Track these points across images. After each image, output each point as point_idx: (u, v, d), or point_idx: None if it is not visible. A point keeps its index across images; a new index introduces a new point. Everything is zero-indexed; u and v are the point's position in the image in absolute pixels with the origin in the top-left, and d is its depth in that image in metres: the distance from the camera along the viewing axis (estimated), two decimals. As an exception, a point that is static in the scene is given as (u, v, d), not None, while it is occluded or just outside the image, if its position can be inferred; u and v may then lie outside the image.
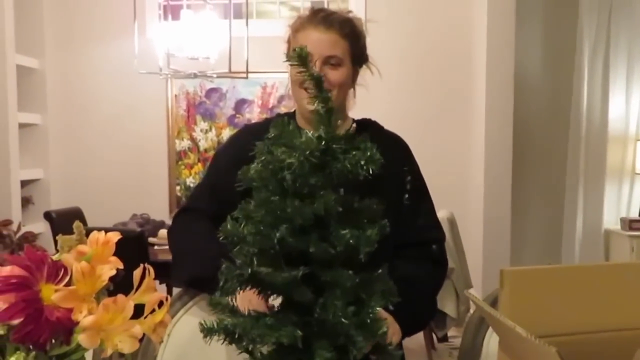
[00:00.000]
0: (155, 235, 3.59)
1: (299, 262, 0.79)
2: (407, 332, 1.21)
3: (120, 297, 0.60)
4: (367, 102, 1.44)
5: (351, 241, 0.78)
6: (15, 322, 0.57)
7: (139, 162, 4.61)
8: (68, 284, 0.61)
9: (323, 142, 0.79)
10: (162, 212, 4.43)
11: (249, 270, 0.79)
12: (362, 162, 0.79)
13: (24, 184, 4.49)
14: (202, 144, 4.53)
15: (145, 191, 4.56)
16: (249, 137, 1.28)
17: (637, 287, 0.88)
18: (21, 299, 0.57)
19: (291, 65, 0.84)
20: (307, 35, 1.25)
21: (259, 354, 0.83)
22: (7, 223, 3.88)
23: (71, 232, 0.70)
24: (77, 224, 0.63)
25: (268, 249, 0.78)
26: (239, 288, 0.82)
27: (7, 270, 0.59)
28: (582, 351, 0.82)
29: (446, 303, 3.26)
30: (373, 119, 1.41)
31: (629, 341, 0.80)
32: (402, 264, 1.20)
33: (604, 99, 4.48)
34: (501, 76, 4.04)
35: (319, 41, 1.23)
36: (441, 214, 3.29)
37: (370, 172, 0.80)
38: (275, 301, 0.86)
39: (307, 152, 0.77)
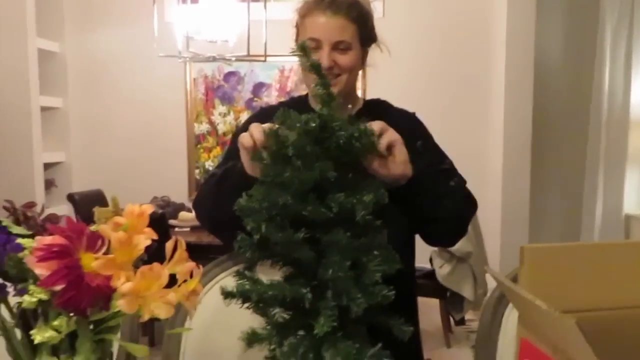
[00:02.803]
0: (175, 217, 3.64)
1: (303, 227, 0.89)
2: (417, 172, 1.09)
3: (156, 265, 0.63)
4: (384, 87, 1.46)
5: (347, 204, 0.87)
6: (58, 288, 0.60)
7: (158, 145, 4.66)
8: (105, 254, 0.64)
9: (322, 120, 0.90)
10: (181, 195, 4.49)
11: (259, 235, 0.88)
12: (356, 135, 0.90)
13: (47, 167, 4.57)
14: (221, 128, 4.57)
15: (164, 174, 4.62)
16: (265, 119, 1.31)
17: (658, 265, 0.89)
18: (63, 266, 0.60)
19: (296, 55, 0.98)
20: (314, 20, 1.25)
21: (273, 317, 0.92)
22: (31, 205, 3.95)
23: (93, 214, 0.73)
24: (113, 198, 0.66)
25: (275, 215, 0.87)
26: (249, 252, 0.92)
27: (49, 239, 0.62)
28: (601, 328, 0.84)
29: (463, 286, 3.28)
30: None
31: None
32: None
33: (626, 83, 4.42)
34: (521, 60, 4.01)
35: (327, 27, 1.23)
36: (459, 197, 3.30)
37: (363, 146, 0.92)
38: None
39: (305, 127, 0.89)
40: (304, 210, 0.89)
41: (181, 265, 0.68)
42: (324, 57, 1.22)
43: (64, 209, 4.54)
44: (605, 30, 4.39)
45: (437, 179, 1.15)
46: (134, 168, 4.68)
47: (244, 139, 1.00)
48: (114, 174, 4.68)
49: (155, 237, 0.67)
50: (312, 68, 0.94)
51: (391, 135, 1.01)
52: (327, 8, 1.23)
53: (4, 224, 0.65)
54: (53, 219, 4.25)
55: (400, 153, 1.02)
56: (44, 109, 4.44)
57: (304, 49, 0.96)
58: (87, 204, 3.73)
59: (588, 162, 4.49)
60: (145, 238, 0.64)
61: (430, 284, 3.28)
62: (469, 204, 1.26)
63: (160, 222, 3.20)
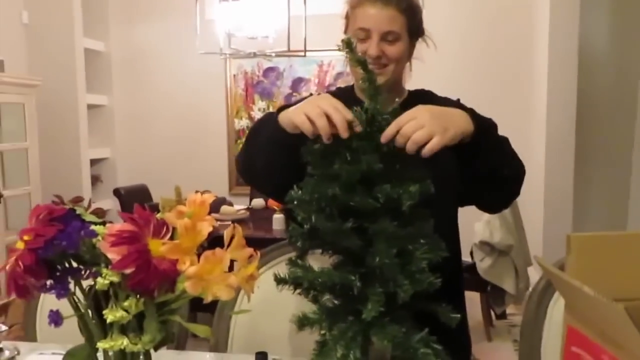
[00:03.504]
0: (217, 211, 3.72)
1: (351, 217, 0.92)
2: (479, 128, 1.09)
3: (218, 250, 0.67)
4: (426, 78, 1.46)
5: (393, 194, 0.90)
6: (128, 271, 0.65)
7: (199, 140, 4.76)
8: (170, 240, 0.69)
9: (368, 114, 0.93)
10: (222, 189, 4.58)
11: (309, 225, 0.92)
12: None
13: (93, 162, 4.72)
14: (260, 123, 4.63)
15: (205, 169, 4.72)
16: None
17: None
18: (133, 250, 0.64)
19: (342, 51, 0.98)
20: (364, 11, 1.26)
21: (324, 303, 0.96)
22: (79, 200, 4.10)
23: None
24: (176, 187, 0.70)
25: (324, 206, 0.91)
26: (300, 241, 0.96)
27: (119, 226, 0.66)
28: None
29: (505, 280, 3.25)
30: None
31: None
32: None
33: (673, 73, 4.28)
34: (565, 50, 3.93)
35: (377, 17, 1.25)
36: (500, 190, 3.27)
37: None
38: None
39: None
40: (352, 201, 0.92)
41: (240, 250, 0.72)
42: (372, 47, 1.24)
43: (109, 204, 4.68)
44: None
45: (497, 135, 1.19)
46: (176, 163, 4.79)
47: (305, 125, 0.99)
48: (157, 169, 4.80)
49: (216, 224, 0.71)
50: (358, 63, 0.97)
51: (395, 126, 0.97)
52: (376, 0, 1.26)
53: (78, 212, 0.70)
54: (99, 213, 4.40)
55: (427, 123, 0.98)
56: (90, 107, 4.59)
57: (349, 45, 0.98)
58: (132, 198, 3.85)
59: (635, 156, 4.37)
60: (207, 225, 0.68)
61: (471, 278, 3.27)
62: (522, 163, 1.29)
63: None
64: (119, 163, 4.96)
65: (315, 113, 0.98)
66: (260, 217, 3.63)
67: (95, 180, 4.82)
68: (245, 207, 3.85)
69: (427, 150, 0.96)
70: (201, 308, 1.73)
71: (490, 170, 1.17)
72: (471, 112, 1.11)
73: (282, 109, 1.15)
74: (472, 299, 3.38)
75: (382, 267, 0.91)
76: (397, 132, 0.95)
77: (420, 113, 0.99)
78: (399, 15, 1.26)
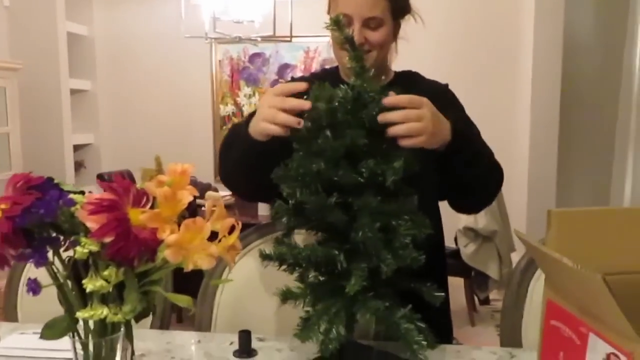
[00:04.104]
0: (202, 197, 3.71)
1: (336, 192, 0.93)
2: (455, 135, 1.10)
3: (199, 218, 0.66)
4: (412, 59, 1.46)
5: (377, 169, 0.91)
6: (108, 239, 0.64)
7: (184, 126, 4.73)
8: (151, 209, 0.68)
9: (355, 92, 0.93)
10: (207, 175, 4.56)
11: (294, 201, 0.93)
12: (388, 107, 0.94)
13: (76, 148, 4.68)
14: (246, 109, 4.61)
15: (190, 155, 4.69)
16: (294, 95, 1.33)
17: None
18: (113, 219, 0.64)
19: (329, 29, 1.00)
20: None
21: (308, 279, 0.97)
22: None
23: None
24: (156, 157, 0.69)
25: (309, 181, 0.92)
26: (285, 217, 0.97)
27: (99, 194, 0.66)
28: (628, 291, 0.85)
29: (489, 265, 3.29)
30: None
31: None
32: None
33: (656, 61, 4.33)
34: (550, 34, 3.95)
35: (358, 2, 1.22)
36: (484, 176, 3.30)
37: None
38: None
39: (341, 100, 0.93)
40: (336, 176, 0.92)
41: (221, 221, 0.72)
42: (355, 34, 1.22)
43: (93, 190, 4.64)
44: (636, 7, 4.30)
45: (474, 140, 1.19)
46: (160, 149, 4.75)
47: (271, 129, 1.02)
48: (141, 155, 4.76)
49: (196, 194, 0.71)
50: (346, 41, 0.97)
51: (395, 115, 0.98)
52: None
53: (56, 181, 0.69)
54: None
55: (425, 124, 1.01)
56: (73, 92, 4.54)
57: (337, 23, 0.98)
58: (117, 184, 3.82)
59: (617, 141, 4.42)
60: (188, 194, 0.68)
61: (455, 263, 3.29)
62: (500, 172, 1.28)
63: (189, 202, 3.26)
64: (102, 149, 4.92)
65: (271, 115, 1.01)
66: (246, 202, 3.62)
67: (78, 166, 4.78)
68: (231, 193, 3.84)
69: (407, 143, 0.98)
70: (183, 292, 1.73)
71: (463, 182, 1.18)
72: (453, 125, 1.10)
73: (250, 117, 1.16)
74: (456, 285, 3.41)
75: (366, 242, 0.91)
76: (397, 109, 0.96)
77: (425, 106, 1.01)
78: (381, 0, 1.24)
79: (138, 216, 0.65)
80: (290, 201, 0.96)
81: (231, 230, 0.72)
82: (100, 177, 3.98)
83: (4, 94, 3.76)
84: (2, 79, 3.73)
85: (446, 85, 1.38)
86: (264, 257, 0.98)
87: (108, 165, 4.78)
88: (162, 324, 1.37)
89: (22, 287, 1.48)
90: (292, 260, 0.96)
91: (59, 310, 0.73)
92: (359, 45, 1.23)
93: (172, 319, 1.51)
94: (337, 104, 0.95)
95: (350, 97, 0.95)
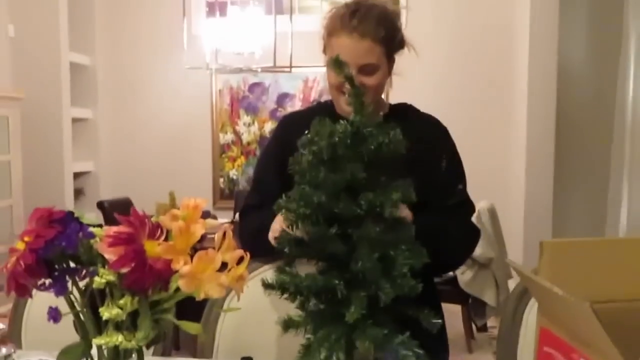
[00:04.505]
0: (202, 224, 3.74)
1: (336, 223, 0.97)
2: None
3: (210, 250, 0.71)
4: (409, 91, 1.51)
5: (375, 201, 0.95)
6: (125, 270, 0.68)
7: (184, 154, 4.78)
8: (165, 242, 0.72)
9: (354, 128, 0.99)
10: (206, 202, 4.59)
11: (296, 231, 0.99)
12: (386, 142, 0.98)
13: (76, 176, 4.71)
14: (245, 138, 4.67)
15: (190, 183, 4.73)
16: (291, 127, 1.39)
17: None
18: (130, 250, 0.68)
19: (329, 70, 1.05)
20: (341, 42, 1.25)
21: (309, 307, 1.01)
22: (63, 212, 4.07)
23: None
24: (170, 192, 0.74)
25: (310, 213, 0.96)
26: (287, 247, 1.02)
27: (117, 227, 0.70)
28: (618, 319, 0.88)
29: (486, 292, 3.31)
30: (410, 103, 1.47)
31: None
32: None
33: (650, 88, 4.41)
34: (544, 64, 4.04)
35: (354, 50, 1.24)
36: (482, 204, 3.34)
37: (392, 150, 0.98)
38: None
39: (340, 135, 0.98)
40: (336, 208, 0.97)
41: (230, 252, 0.76)
42: None
43: (92, 217, 4.67)
44: (629, 35, 4.39)
45: (436, 230, 1.20)
46: (160, 176, 4.80)
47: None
48: (141, 183, 4.81)
49: (207, 227, 0.75)
50: (346, 80, 1.01)
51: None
52: (353, 30, 1.24)
53: (76, 214, 0.73)
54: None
55: None
56: (74, 120, 4.59)
57: (338, 63, 1.03)
58: (116, 212, 3.85)
59: (612, 167, 4.48)
60: (200, 227, 0.72)
61: (452, 290, 3.32)
62: (468, 243, 1.35)
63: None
64: (102, 176, 4.96)
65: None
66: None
67: (78, 193, 4.81)
68: (230, 220, 3.88)
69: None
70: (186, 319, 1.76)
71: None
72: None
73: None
74: (454, 312, 3.43)
75: (365, 271, 0.95)
76: None
77: None
78: (376, 46, 1.25)
79: (153, 248, 0.69)
80: (292, 231, 1.00)
81: (239, 260, 0.77)
82: (100, 204, 4.01)
83: (6, 122, 3.82)
84: (5, 108, 3.79)
85: (438, 121, 1.43)
86: (266, 285, 1.01)
87: (107, 193, 4.81)
88: (164, 351, 1.39)
89: (27, 315, 1.51)
90: (293, 289, 1.00)
91: (62, 338, 0.77)
92: None
93: (172, 344, 1.53)
94: (337, 139, 1.00)
95: (349, 133, 0.99)
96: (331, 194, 0.98)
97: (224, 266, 0.77)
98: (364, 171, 0.98)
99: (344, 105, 1.32)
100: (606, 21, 4.52)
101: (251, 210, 1.45)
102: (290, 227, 1.00)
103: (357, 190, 0.99)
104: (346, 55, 1.25)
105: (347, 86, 1.23)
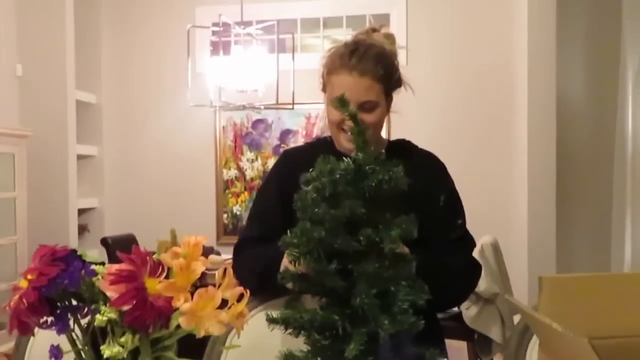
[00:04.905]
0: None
1: (338, 259, 0.98)
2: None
3: (211, 288, 0.72)
4: (409, 129, 1.54)
5: (374, 237, 0.96)
6: (126, 308, 0.69)
7: (188, 190, 4.80)
8: (165, 279, 0.73)
9: (357, 166, 1.01)
10: (210, 238, 4.58)
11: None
12: (386, 178, 1.00)
13: (81, 212, 4.73)
14: (249, 173, 4.70)
15: (194, 218, 4.74)
16: (290, 165, 1.41)
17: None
18: (131, 288, 0.69)
19: (329, 107, 1.08)
20: (341, 79, 1.29)
21: (313, 342, 1.01)
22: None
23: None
24: (172, 230, 0.75)
25: (311, 248, 0.97)
26: (290, 282, 1.03)
27: (119, 265, 0.71)
28: (618, 354, 0.88)
29: (491, 328, 3.27)
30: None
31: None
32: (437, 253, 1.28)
33: (649, 122, 4.45)
34: (543, 101, 4.08)
35: (353, 88, 1.27)
36: (484, 239, 3.33)
37: (393, 187, 1.00)
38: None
39: (342, 172, 1.00)
40: (336, 244, 0.98)
41: (230, 290, 0.77)
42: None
43: (96, 254, 4.66)
44: (626, 71, 4.45)
45: (437, 269, 1.21)
46: (164, 213, 4.82)
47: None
48: (145, 219, 4.81)
49: (208, 264, 0.76)
50: (350, 117, 1.04)
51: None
52: (353, 68, 1.28)
53: (79, 252, 0.74)
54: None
55: None
56: (79, 157, 4.64)
57: (342, 102, 1.06)
58: (120, 248, 3.84)
59: (614, 203, 4.48)
60: (201, 264, 0.73)
61: (458, 326, 3.28)
62: (471, 278, 1.35)
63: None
64: (106, 213, 4.97)
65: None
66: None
67: (82, 229, 4.82)
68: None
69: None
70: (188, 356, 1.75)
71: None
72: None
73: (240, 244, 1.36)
74: (459, 348, 3.39)
75: (364, 307, 0.96)
76: None
77: None
78: (376, 84, 1.29)
79: (155, 286, 0.70)
80: (294, 267, 1.01)
81: (240, 297, 0.77)
82: (103, 241, 4.02)
83: (12, 160, 3.86)
84: (11, 146, 3.83)
85: (435, 156, 1.45)
86: (270, 320, 1.02)
87: (111, 229, 4.82)
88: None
89: (29, 353, 1.51)
90: (295, 324, 1.01)
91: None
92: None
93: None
94: (338, 176, 1.02)
95: (351, 170, 1.01)
96: (331, 229, 0.99)
97: (224, 303, 0.77)
98: (365, 207, 0.99)
99: (344, 142, 1.34)
100: (603, 57, 4.59)
101: (247, 245, 1.45)
102: (293, 262, 1.01)
103: (357, 226, 1.00)
104: (346, 93, 1.28)
105: (349, 123, 1.26)
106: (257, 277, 1.29)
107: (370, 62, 1.29)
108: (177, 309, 0.70)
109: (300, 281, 1.03)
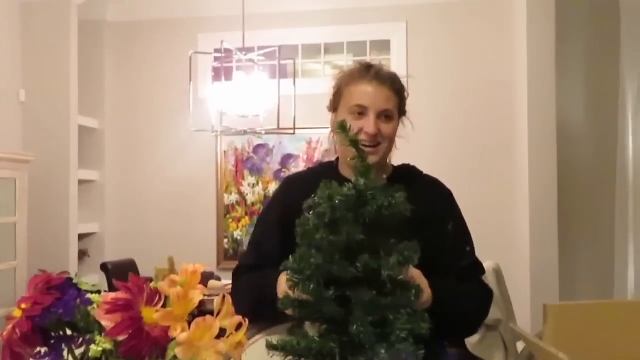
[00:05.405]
0: (205, 285, 3.70)
1: (337, 286, 0.97)
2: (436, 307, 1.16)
3: (208, 317, 0.70)
4: (411, 154, 1.53)
5: (372, 264, 0.95)
6: (121, 338, 0.67)
7: (189, 215, 4.79)
8: (163, 307, 0.72)
9: (357, 191, 1.00)
10: (210, 264, 4.56)
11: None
12: (386, 204, 0.99)
13: (81, 237, 4.71)
14: (250, 198, 4.69)
15: (194, 243, 4.71)
16: (292, 192, 1.41)
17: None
18: (127, 317, 0.67)
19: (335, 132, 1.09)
20: (360, 89, 1.33)
21: None
22: (64, 275, 4.05)
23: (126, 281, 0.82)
24: (170, 258, 0.74)
25: (309, 274, 0.97)
26: (290, 309, 1.02)
27: (115, 294, 0.70)
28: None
29: (495, 355, 3.23)
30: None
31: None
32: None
33: (650, 145, 4.43)
34: (544, 126, 4.08)
35: (374, 95, 1.32)
36: (487, 264, 3.29)
37: (394, 213, 0.99)
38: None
39: (341, 198, 1.00)
40: (333, 270, 0.97)
41: (229, 319, 0.75)
42: (370, 124, 1.30)
43: (95, 279, 4.63)
44: (626, 93, 4.45)
45: (455, 297, 1.23)
46: (164, 238, 4.79)
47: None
48: (146, 244, 4.79)
49: (206, 292, 0.75)
50: (351, 143, 1.04)
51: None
52: (373, 78, 1.33)
53: (75, 281, 0.73)
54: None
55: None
56: (81, 182, 4.63)
57: (344, 127, 1.06)
58: (120, 273, 3.83)
59: (617, 227, 4.45)
60: (199, 293, 0.72)
61: (461, 354, 3.23)
62: (485, 304, 1.33)
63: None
64: (107, 238, 4.95)
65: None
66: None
67: (82, 254, 4.80)
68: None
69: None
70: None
71: (446, 324, 1.19)
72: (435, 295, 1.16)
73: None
74: (463, 376, 3.33)
75: (360, 335, 0.94)
76: None
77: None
78: (393, 95, 1.34)
79: (151, 315, 0.69)
80: (293, 294, 1.01)
81: (238, 326, 0.76)
82: (103, 266, 4.00)
83: (14, 185, 3.85)
84: (13, 170, 3.83)
85: (441, 182, 1.44)
86: (271, 347, 1.01)
87: (112, 254, 4.79)
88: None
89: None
90: (293, 352, 0.99)
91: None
92: (373, 135, 1.32)
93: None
94: (337, 201, 1.01)
95: (352, 195, 1.00)
96: (329, 255, 0.98)
97: (222, 332, 0.76)
98: (366, 233, 0.98)
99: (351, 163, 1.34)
100: (603, 80, 4.61)
101: (245, 271, 1.44)
102: (292, 288, 1.00)
103: (357, 252, 0.99)
104: (368, 100, 1.31)
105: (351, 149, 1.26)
106: (252, 304, 1.28)
107: (387, 76, 1.36)
108: (174, 339, 0.68)
109: (300, 307, 1.01)
